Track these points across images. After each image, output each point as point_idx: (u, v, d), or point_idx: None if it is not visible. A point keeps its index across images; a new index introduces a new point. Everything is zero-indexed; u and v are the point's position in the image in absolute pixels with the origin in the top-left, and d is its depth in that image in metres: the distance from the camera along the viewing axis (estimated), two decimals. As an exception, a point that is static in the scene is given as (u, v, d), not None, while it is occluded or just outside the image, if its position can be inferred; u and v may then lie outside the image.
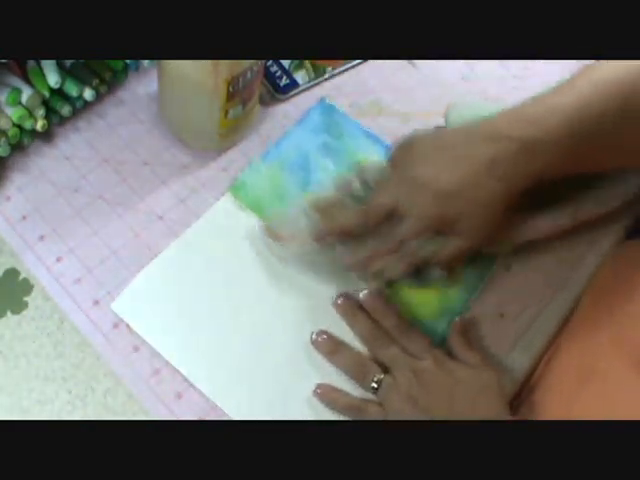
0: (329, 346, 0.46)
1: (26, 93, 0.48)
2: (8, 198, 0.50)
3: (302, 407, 0.45)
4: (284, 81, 0.58)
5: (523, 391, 0.47)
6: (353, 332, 0.47)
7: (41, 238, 0.49)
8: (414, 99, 0.58)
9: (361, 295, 0.47)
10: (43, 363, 1.18)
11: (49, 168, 0.52)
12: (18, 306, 1.20)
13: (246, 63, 0.46)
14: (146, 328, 0.46)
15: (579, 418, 0.40)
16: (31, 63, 0.49)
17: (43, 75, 0.49)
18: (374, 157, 0.53)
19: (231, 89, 0.47)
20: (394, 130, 0.54)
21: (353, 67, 0.60)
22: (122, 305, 0.47)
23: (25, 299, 1.21)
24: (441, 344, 0.47)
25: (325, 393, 0.45)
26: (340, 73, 0.59)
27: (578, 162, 0.44)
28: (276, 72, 0.58)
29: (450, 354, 0.46)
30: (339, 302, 0.47)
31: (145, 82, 0.56)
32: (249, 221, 0.51)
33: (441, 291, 0.49)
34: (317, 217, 0.47)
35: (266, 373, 0.45)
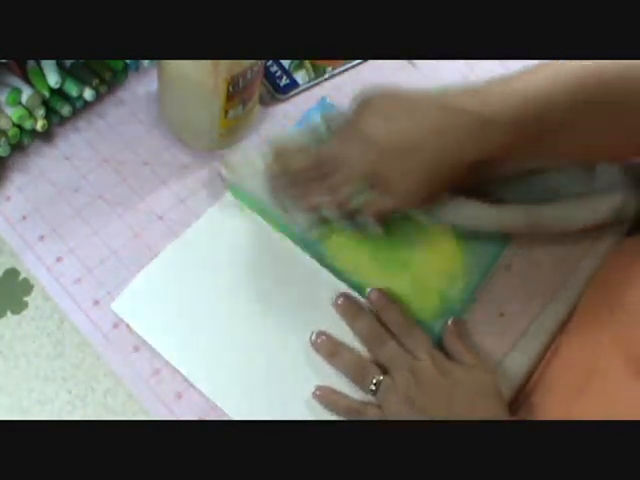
0: (328, 347, 0.46)
1: (26, 93, 0.48)
2: (8, 198, 0.50)
3: (302, 407, 0.45)
4: (284, 81, 0.58)
5: (522, 392, 0.47)
6: (353, 332, 0.47)
7: (41, 238, 0.49)
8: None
9: (368, 290, 0.48)
10: (43, 363, 1.18)
11: (49, 168, 0.52)
12: (18, 306, 1.20)
13: (246, 63, 0.46)
14: (146, 328, 0.46)
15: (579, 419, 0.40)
16: (31, 63, 0.49)
17: (43, 75, 0.49)
18: None
19: (231, 89, 0.47)
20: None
21: (353, 67, 0.60)
22: (122, 305, 0.47)
23: (25, 299, 1.21)
24: (441, 344, 0.47)
25: (324, 395, 0.45)
26: (340, 73, 0.59)
27: (532, 148, 0.44)
28: (276, 72, 0.58)
29: (449, 355, 0.46)
30: (339, 302, 0.47)
31: (145, 82, 0.56)
32: (249, 221, 0.51)
33: (441, 291, 0.49)
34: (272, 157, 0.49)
35: (266, 373, 0.45)
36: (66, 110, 0.51)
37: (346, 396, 0.45)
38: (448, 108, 0.43)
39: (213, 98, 0.47)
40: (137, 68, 0.55)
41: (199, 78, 0.46)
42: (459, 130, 0.42)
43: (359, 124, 0.45)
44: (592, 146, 0.46)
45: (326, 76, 0.59)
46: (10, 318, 1.19)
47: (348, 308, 0.47)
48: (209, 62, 0.45)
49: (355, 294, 0.48)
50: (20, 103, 0.48)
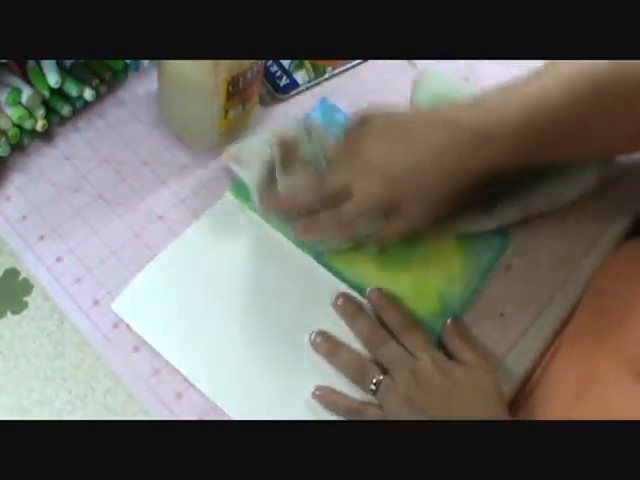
0: (328, 347, 0.46)
1: (26, 93, 0.48)
2: (8, 198, 0.50)
3: (302, 407, 0.45)
4: (284, 81, 0.58)
5: (522, 392, 0.47)
6: (353, 332, 0.47)
7: (41, 238, 0.49)
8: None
9: (368, 290, 0.48)
10: (43, 363, 1.17)
11: (49, 168, 0.52)
12: (18, 306, 1.20)
13: (246, 63, 0.46)
14: (146, 328, 0.46)
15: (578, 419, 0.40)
16: (31, 63, 0.49)
17: (43, 75, 0.49)
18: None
19: (231, 89, 0.47)
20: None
21: (353, 67, 0.60)
22: (122, 305, 0.47)
23: (25, 299, 1.21)
24: (441, 344, 0.47)
25: (324, 395, 0.45)
26: (340, 73, 0.59)
27: (535, 153, 0.44)
28: (276, 72, 0.58)
29: (449, 355, 0.46)
30: (339, 303, 0.47)
31: (145, 82, 0.56)
32: (249, 221, 0.51)
33: (441, 291, 0.49)
34: (277, 155, 0.48)
35: (266, 373, 0.45)
36: (66, 110, 0.51)
37: (346, 396, 0.45)
38: (448, 125, 0.43)
39: (213, 98, 0.47)
40: (137, 68, 0.55)
41: (199, 78, 0.46)
42: (461, 146, 0.42)
43: (360, 151, 0.45)
44: (599, 144, 0.46)
45: (326, 76, 0.59)
46: (10, 318, 1.19)
47: (348, 308, 0.47)
48: (209, 62, 0.45)
49: (355, 294, 0.48)
50: (20, 103, 0.48)
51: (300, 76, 0.58)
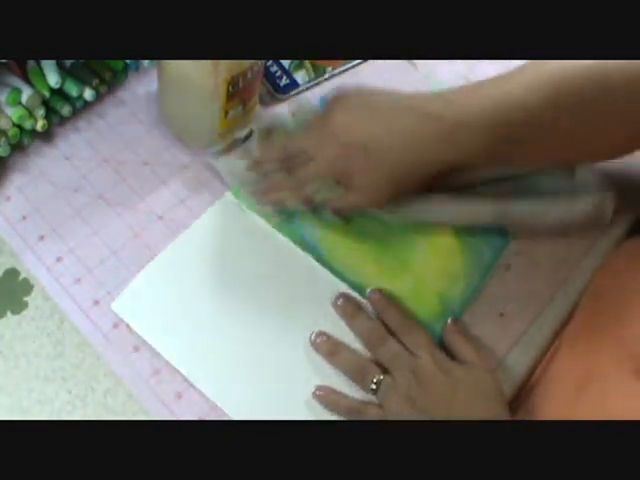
0: (328, 347, 0.46)
1: (26, 93, 0.48)
2: (8, 198, 0.50)
3: (302, 407, 0.45)
4: (284, 81, 0.58)
5: (522, 392, 0.47)
6: (353, 332, 0.47)
7: (41, 238, 0.49)
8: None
9: (368, 290, 0.48)
10: (43, 363, 1.17)
11: (49, 168, 0.52)
12: (18, 306, 1.20)
13: (246, 63, 0.46)
14: (146, 328, 0.46)
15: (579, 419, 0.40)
16: (31, 63, 0.49)
17: (43, 75, 0.49)
18: None
19: (231, 89, 0.47)
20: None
21: (353, 67, 0.60)
22: (122, 305, 0.47)
23: (25, 299, 1.21)
24: (441, 344, 0.47)
25: (325, 395, 0.45)
26: (340, 73, 0.59)
27: (505, 152, 0.44)
28: (276, 72, 0.58)
29: (450, 355, 0.46)
30: (339, 303, 0.47)
31: (145, 82, 0.56)
32: (249, 221, 0.51)
33: (441, 292, 0.49)
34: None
35: (266, 373, 0.45)
36: (66, 110, 0.51)
37: (346, 396, 0.45)
38: (419, 112, 0.43)
39: (213, 98, 0.47)
40: (137, 68, 0.55)
41: (199, 78, 0.46)
42: (428, 135, 0.43)
43: (329, 121, 0.46)
44: (573, 147, 0.46)
45: (326, 76, 0.59)
46: (10, 318, 1.19)
47: (348, 308, 0.47)
48: (209, 62, 0.45)
49: (355, 294, 0.48)
50: (20, 103, 0.48)
51: (300, 76, 0.58)
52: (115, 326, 0.46)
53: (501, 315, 0.49)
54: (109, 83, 0.53)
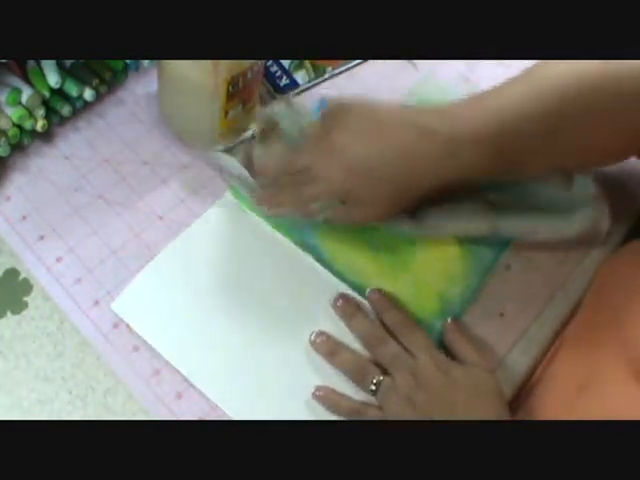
0: (328, 347, 0.46)
1: (26, 93, 0.48)
2: (8, 198, 0.50)
3: (302, 407, 0.45)
4: (284, 81, 0.58)
5: (522, 393, 0.47)
6: (352, 333, 0.47)
7: (41, 238, 0.49)
8: (414, 99, 0.58)
9: (368, 290, 0.48)
10: (43, 363, 1.17)
11: (49, 168, 0.52)
12: (18, 306, 1.20)
13: (246, 63, 0.46)
14: (146, 328, 0.46)
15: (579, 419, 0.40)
16: (31, 63, 0.49)
17: (43, 75, 0.49)
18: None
19: (231, 89, 0.47)
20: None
21: (353, 67, 0.60)
22: (122, 305, 0.47)
23: (25, 299, 1.21)
24: (441, 345, 0.47)
25: (324, 395, 0.45)
26: (340, 73, 0.59)
27: (508, 162, 0.44)
28: (276, 72, 0.58)
29: (449, 355, 0.46)
30: (338, 304, 0.47)
31: (145, 82, 0.56)
32: (249, 221, 0.51)
33: (441, 292, 0.49)
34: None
35: (266, 373, 0.45)
36: (66, 110, 0.51)
37: (346, 397, 0.45)
38: (420, 128, 0.43)
39: (213, 98, 0.47)
40: (137, 68, 0.55)
41: (199, 78, 0.46)
42: (430, 151, 0.43)
43: (330, 138, 0.45)
44: (577, 154, 0.46)
45: (326, 76, 0.59)
46: (10, 318, 1.19)
47: (347, 309, 0.47)
48: (209, 62, 0.45)
49: (355, 295, 0.48)
50: (20, 103, 0.48)
51: (300, 76, 0.58)
52: (115, 326, 0.46)
53: (501, 315, 0.49)
54: (109, 83, 0.53)
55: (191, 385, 0.45)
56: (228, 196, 0.51)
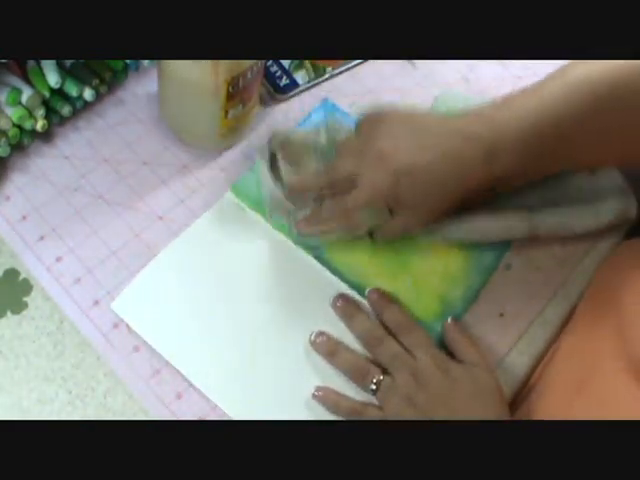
0: (328, 347, 0.46)
1: (26, 93, 0.48)
2: (8, 198, 0.50)
3: (302, 407, 0.45)
4: (284, 81, 0.58)
5: (522, 393, 0.47)
6: (352, 333, 0.47)
7: (41, 238, 0.49)
8: (414, 99, 0.58)
9: (367, 290, 0.48)
10: (43, 363, 1.17)
11: (49, 168, 0.52)
12: (18, 306, 1.20)
13: (246, 63, 0.46)
14: (146, 328, 0.46)
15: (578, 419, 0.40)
16: (31, 63, 0.49)
17: (43, 75, 0.49)
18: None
19: (231, 89, 0.47)
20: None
21: (353, 67, 0.60)
22: (122, 305, 0.47)
23: (25, 299, 1.21)
24: (441, 345, 0.47)
25: (324, 396, 0.45)
26: (340, 73, 0.59)
27: (544, 163, 0.45)
28: (276, 72, 0.58)
29: (450, 354, 0.46)
30: (338, 304, 0.47)
31: (145, 82, 0.56)
32: (249, 221, 0.51)
33: (442, 293, 0.49)
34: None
35: (266, 373, 0.45)
36: (66, 110, 0.51)
37: (346, 397, 0.45)
38: (462, 132, 0.43)
39: (213, 98, 0.47)
40: (137, 68, 0.55)
41: (199, 78, 0.46)
42: (474, 157, 0.43)
43: (372, 142, 0.45)
44: (611, 151, 0.46)
45: (326, 76, 0.59)
46: (10, 318, 1.19)
47: (346, 309, 0.47)
48: (209, 62, 0.45)
49: (355, 295, 0.48)
50: (20, 103, 0.48)
51: (300, 76, 0.58)
52: (115, 326, 0.46)
53: (501, 315, 0.49)
54: (109, 83, 0.53)
55: (191, 385, 0.45)
56: (228, 196, 0.51)
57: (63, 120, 0.53)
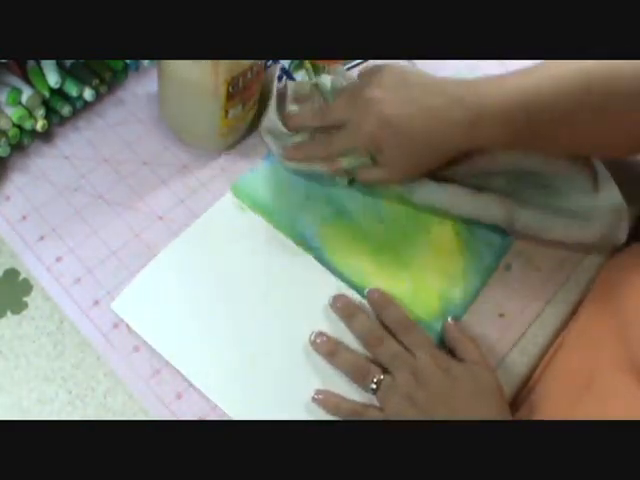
0: (328, 347, 0.46)
1: (26, 93, 0.48)
2: (8, 198, 0.50)
3: (302, 407, 0.45)
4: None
5: (522, 393, 0.47)
6: (352, 333, 0.47)
7: (41, 238, 0.49)
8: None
9: (367, 290, 0.48)
10: (43, 363, 1.17)
11: (49, 168, 0.52)
12: (18, 306, 1.20)
13: (246, 63, 0.46)
14: (146, 328, 0.46)
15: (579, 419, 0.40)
16: (31, 63, 0.49)
17: (43, 75, 0.49)
18: None
19: (231, 89, 0.47)
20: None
21: (353, 67, 0.60)
22: (122, 305, 0.46)
23: (25, 299, 1.20)
24: (441, 344, 0.47)
25: (324, 399, 0.44)
26: (340, 73, 0.59)
27: (529, 137, 0.46)
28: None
29: (450, 353, 0.46)
30: (338, 304, 0.47)
31: (145, 82, 0.56)
32: (249, 221, 0.51)
33: (441, 292, 0.49)
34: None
35: (266, 373, 0.45)
36: (66, 110, 0.51)
37: (346, 399, 0.44)
38: (449, 96, 0.45)
39: (213, 98, 0.47)
40: (137, 68, 0.55)
41: (199, 78, 0.46)
42: (455, 119, 0.45)
43: (365, 94, 0.47)
44: (589, 141, 0.47)
45: (326, 76, 0.59)
46: (10, 318, 1.19)
47: (346, 309, 0.47)
48: (209, 62, 0.45)
49: (355, 294, 0.48)
50: (20, 103, 0.48)
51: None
52: (115, 326, 0.46)
53: (501, 315, 0.49)
54: (109, 83, 0.53)
55: (191, 385, 0.45)
56: (228, 196, 0.51)
57: (63, 120, 0.53)
